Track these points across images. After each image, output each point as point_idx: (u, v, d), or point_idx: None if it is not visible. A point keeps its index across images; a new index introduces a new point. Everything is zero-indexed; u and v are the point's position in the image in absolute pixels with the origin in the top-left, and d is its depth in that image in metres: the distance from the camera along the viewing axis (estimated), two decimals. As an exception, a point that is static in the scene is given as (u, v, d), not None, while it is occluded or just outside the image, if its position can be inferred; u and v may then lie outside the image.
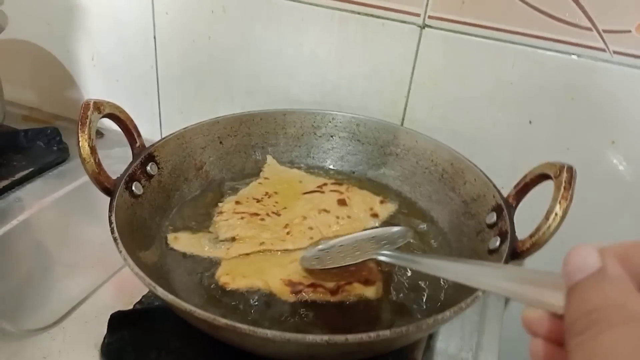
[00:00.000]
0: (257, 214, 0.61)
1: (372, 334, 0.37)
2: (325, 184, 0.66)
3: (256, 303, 0.51)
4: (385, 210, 0.64)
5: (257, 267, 0.54)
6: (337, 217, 0.61)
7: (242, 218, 0.60)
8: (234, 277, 0.53)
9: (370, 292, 0.51)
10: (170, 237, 0.58)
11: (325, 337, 0.36)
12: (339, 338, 0.36)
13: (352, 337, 0.37)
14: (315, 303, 0.51)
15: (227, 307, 0.50)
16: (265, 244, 0.57)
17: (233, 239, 0.58)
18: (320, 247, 0.55)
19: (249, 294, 0.51)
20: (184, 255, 0.56)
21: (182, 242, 0.57)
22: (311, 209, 0.62)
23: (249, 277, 0.52)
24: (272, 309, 0.50)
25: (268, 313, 0.50)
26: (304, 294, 0.51)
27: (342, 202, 0.63)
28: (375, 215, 0.63)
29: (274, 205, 0.63)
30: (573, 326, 0.18)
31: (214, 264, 0.55)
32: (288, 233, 0.59)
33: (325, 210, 0.62)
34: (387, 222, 0.63)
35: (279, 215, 0.61)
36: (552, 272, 0.22)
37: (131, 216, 0.52)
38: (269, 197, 0.64)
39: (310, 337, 0.36)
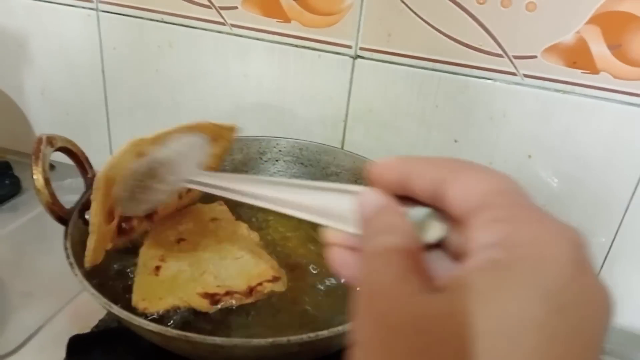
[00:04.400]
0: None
1: (312, 334, 0.41)
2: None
3: (182, 321, 0.52)
4: None
5: (170, 285, 0.55)
6: None
7: None
8: (150, 300, 0.53)
9: (278, 286, 0.56)
10: None
11: (270, 340, 0.40)
12: (282, 339, 0.41)
13: (294, 338, 0.41)
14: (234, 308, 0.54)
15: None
16: None
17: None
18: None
19: (172, 314, 0.53)
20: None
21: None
22: None
23: (165, 297, 0.53)
24: (200, 323, 0.53)
25: (199, 327, 0.52)
26: (222, 302, 0.54)
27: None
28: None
29: None
30: (365, 239, 0.24)
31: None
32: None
33: None
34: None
35: None
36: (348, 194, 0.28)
37: (84, 243, 0.55)
38: None
39: (255, 341, 0.40)
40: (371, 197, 0.25)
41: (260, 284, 0.56)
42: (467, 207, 0.22)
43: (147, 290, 0.54)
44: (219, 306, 0.54)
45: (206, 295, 0.53)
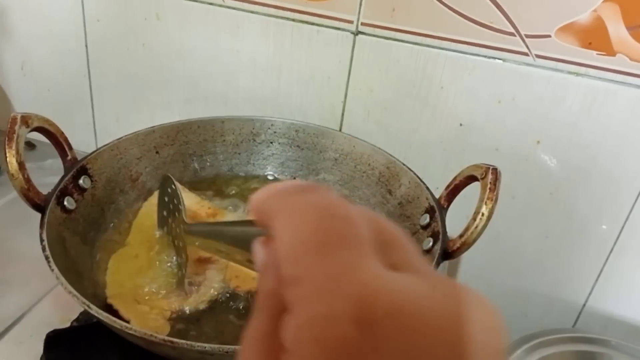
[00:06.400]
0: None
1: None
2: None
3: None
4: None
5: None
6: None
7: None
8: (243, 279, 0.54)
9: None
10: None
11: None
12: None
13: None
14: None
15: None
16: None
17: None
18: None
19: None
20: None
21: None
22: None
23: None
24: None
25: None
26: None
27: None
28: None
29: None
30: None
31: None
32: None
33: None
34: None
35: None
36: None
37: (64, 232, 0.51)
38: None
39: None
40: (257, 252, 0.23)
41: None
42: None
43: (240, 270, 0.54)
44: None
45: None
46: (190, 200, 0.64)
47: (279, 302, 0.20)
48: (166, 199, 0.55)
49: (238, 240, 0.28)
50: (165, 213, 0.55)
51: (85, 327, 0.53)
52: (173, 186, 0.54)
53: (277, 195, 0.21)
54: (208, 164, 0.69)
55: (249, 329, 0.20)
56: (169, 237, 0.54)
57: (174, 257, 0.54)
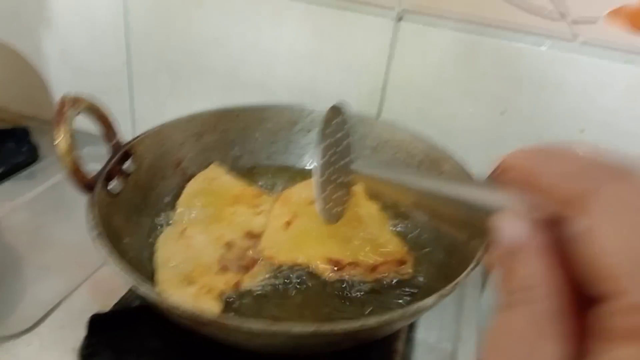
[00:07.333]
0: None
1: (357, 323, 0.37)
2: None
3: (297, 280, 0.53)
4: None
5: (298, 241, 0.55)
6: None
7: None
8: (278, 251, 0.54)
9: (403, 269, 0.55)
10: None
11: (312, 328, 0.37)
12: (325, 328, 0.37)
13: (338, 327, 0.37)
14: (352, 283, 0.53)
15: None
16: None
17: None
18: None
19: (291, 271, 0.53)
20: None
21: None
22: None
23: (291, 252, 0.54)
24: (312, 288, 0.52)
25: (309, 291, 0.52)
26: (344, 272, 0.53)
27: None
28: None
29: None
30: (502, 285, 0.20)
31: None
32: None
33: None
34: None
35: None
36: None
37: (109, 215, 0.51)
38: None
39: (297, 329, 0.37)
40: (511, 225, 0.20)
41: (384, 263, 0.54)
42: (617, 263, 0.17)
43: (275, 242, 0.55)
44: (340, 274, 0.53)
45: (330, 261, 0.53)
46: (233, 182, 0.65)
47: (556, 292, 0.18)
48: (329, 130, 0.49)
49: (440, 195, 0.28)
50: (328, 145, 0.48)
51: (127, 310, 0.53)
52: (343, 117, 0.49)
53: (580, 172, 0.19)
54: (248, 150, 0.69)
55: (513, 317, 0.19)
56: (330, 172, 0.49)
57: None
